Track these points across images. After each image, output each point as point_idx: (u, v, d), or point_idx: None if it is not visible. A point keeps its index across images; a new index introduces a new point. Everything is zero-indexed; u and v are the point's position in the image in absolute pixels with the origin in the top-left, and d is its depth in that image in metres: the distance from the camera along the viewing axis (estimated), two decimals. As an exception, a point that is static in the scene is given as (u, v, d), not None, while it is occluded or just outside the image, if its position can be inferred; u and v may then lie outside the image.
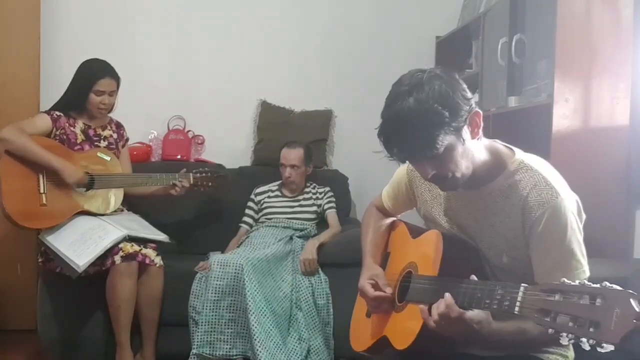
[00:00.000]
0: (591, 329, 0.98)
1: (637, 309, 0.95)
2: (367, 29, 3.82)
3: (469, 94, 1.35)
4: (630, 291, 0.98)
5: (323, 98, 3.76)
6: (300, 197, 3.30)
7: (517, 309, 1.14)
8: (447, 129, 1.28)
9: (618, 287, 0.99)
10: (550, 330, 1.04)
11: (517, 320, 1.34)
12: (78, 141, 2.83)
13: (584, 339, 0.98)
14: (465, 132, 1.33)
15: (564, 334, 1.02)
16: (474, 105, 1.35)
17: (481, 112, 1.37)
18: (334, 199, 3.33)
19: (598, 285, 1.01)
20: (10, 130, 2.64)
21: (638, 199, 2.53)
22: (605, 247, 2.39)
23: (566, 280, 1.07)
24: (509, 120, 2.78)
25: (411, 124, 1.27)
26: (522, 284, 1.16)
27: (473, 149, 1.37)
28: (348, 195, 3.55)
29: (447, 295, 1.28)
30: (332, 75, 3.81)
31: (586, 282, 1.04)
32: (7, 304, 3.31)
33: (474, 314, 1.26)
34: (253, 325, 2.58)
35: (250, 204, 3.33)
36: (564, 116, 2.44)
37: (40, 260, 2.77)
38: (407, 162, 1.41)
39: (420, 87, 1.28)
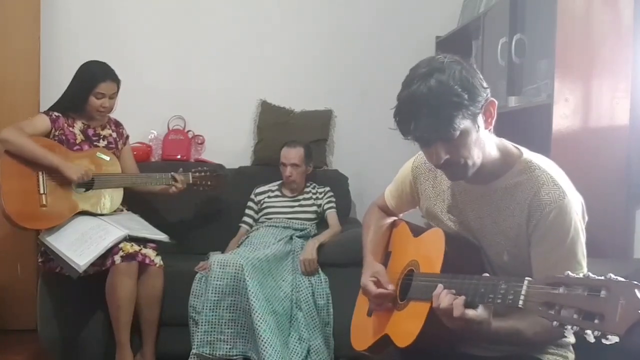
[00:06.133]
0: (596, 321, 0.97)
1: None
2: (367, 29, 3.82)
3: (485, 83, 1.36)
4: (635, 282, 0.97)
5: (323, 98, 3.76)
6: (300, 197, 3.30)
7: (521, 302, 1.14)
8: (465, 112, 1.29)
9: (622, 279, 0.99)
10: (554, 323, 1.04)
11: (514, 320, 1.34)
12: (77, 141, 2.83)
13: (588, 331, 0.98)
14: (480, 120, 1.35)
15: (569, 326, 1.01)
16: (489, 95, 1.36)
17: (496, 102, 1.38)
18: (334, 199, 3.33)
19: (602, 277, 1.01)
20: (10, 130, 2.65)
21: (638, 199, 2.52)
22: (605, 247, 2.38)
23: (570, 273, 1.06)
24: (509, 120, 2.77)
25: (430, 103, 1.28)
26: (526, 278, 1.16)
27: (485, 140, 1.38)
28: (348, 195, 3.55)
29: (461, 298, 1.27)
30: (332, 75, 3.81)
31: (590, 274, 1.03)
32: (7, 304, 3.30)
33: (476, 314, 1.26)
34: (259, 324, 2.58)
35: (250, 204, 3.33)
36: (564, 116, 2.44)
37: (40, 260, 2.76)
38: (420, 146, 1.40)
39: (442, 70, 1.30)
